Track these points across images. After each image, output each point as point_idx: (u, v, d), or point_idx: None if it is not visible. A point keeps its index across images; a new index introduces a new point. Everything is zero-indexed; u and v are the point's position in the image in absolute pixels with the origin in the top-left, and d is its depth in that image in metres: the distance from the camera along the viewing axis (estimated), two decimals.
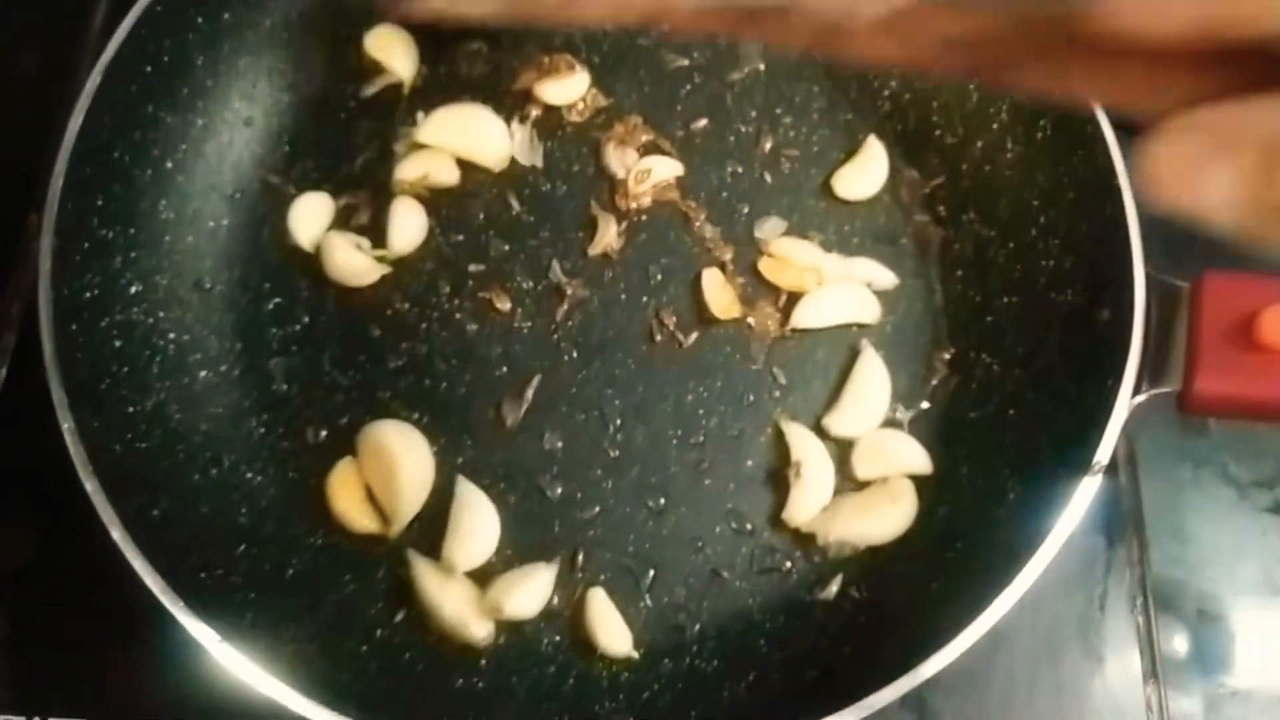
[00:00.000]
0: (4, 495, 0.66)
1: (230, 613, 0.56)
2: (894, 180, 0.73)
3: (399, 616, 0.61)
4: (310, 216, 0.70)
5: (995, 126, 0.71)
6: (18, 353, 0.70)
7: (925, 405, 0.68)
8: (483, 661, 0.60)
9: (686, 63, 0.76)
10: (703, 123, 0.74)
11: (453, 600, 0.60)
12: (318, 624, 0.59)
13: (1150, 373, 0.59)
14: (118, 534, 0.53)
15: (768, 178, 0.73)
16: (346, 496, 0.63)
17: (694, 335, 0.69)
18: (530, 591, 0.61)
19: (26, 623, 0.63)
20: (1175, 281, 0.60)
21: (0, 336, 0.70)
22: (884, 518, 0.64)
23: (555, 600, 0.62)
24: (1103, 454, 0.57)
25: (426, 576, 0.61)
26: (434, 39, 0.75)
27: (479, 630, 0.60)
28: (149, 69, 0.67)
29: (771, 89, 0.76)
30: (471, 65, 0.75)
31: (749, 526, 0.65)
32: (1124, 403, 0.57)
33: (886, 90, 0.75)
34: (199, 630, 0.52)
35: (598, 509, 0.64)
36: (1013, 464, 0.63)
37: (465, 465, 0.65)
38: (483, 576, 0.62)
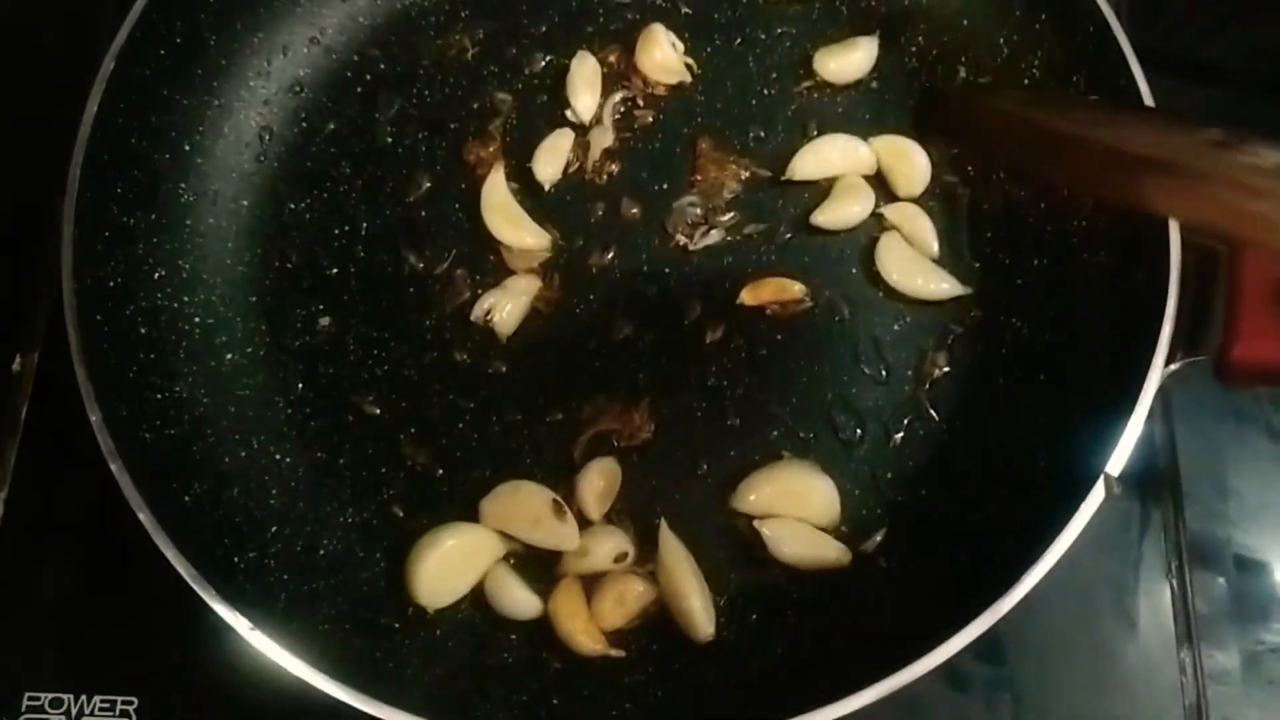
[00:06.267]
0: (41, 479, 0.67)
1: (265, 596, 0.57)
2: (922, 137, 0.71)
3: None
4: None
5: (1023, 66, 0.69)
6: (49, 336, 0.70)
7: (946, 368, 0.67)
8: (513, 636, 0.61)
9: None
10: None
11: None
12: (351, 602, 0.60)
13: (1185, 339, 0.57)
14: (147, 521, 0.54)
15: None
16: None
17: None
18: None
19: (69, 606, 0.64)
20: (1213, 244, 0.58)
21: (32, 321, 0.70)
22: None
23: None
24: (1121, 454, 0.55)
25: None
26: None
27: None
28: (161, 51, 0.67)
29: None
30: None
31: None
32: (1157, 371, 0.56)
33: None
34: (231, 617, 0.53)
35: None
36: (1043, 430, 0.62)
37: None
38: None
